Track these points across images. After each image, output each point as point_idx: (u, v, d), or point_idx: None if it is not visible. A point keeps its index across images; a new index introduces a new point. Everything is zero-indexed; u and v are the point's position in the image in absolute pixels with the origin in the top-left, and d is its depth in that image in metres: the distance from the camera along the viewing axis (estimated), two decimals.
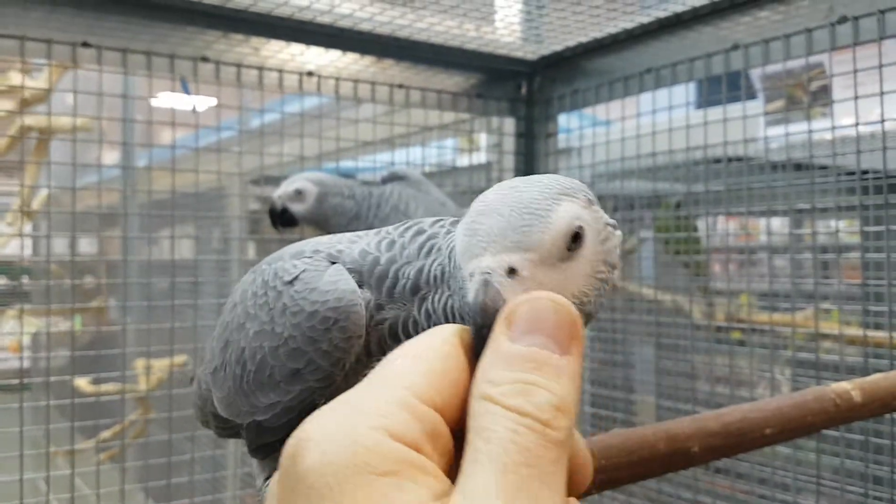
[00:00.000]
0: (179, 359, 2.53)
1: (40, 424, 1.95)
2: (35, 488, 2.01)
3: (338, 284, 0.75)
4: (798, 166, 2.11)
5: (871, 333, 1.91)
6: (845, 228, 2.48)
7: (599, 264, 0.67)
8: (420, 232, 0.77)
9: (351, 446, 0.44)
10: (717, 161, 2.17)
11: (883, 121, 1.71)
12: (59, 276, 2.61)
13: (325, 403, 0.50)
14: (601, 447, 0.99)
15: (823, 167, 2.07)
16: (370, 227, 1.12)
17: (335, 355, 0.73)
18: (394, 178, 2.03)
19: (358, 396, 0.48)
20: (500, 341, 0.51)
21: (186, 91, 2.13)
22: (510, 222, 0.62)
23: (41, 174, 3.72)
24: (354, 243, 0.80)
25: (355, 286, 0.74)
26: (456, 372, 0.51)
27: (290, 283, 0.77)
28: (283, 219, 1.95)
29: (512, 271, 0.61)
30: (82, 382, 2.43)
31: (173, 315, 2.05)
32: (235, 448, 2.89)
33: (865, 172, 1.94)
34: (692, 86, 2.22)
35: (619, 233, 0.72)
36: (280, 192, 1.94)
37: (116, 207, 3.71)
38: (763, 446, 1.20)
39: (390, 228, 0.80)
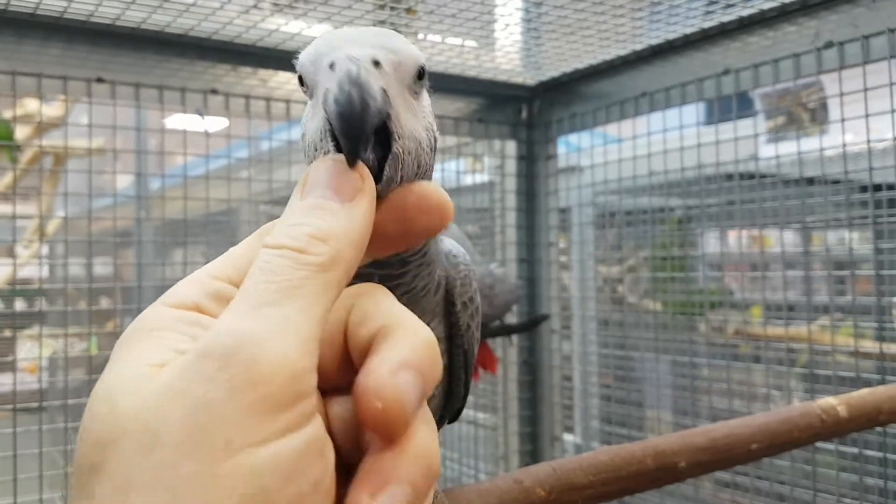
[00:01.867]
0: None
1: (58, 445, 2.01)
2: None
3: None
4: (810, 181, 2.16)
5: (870, 347, 1.95)
6: (837, 241, 2.52)
7: (431, 126, 0.69)
8: None
9: (135, 323, 0.47)
10: (728, 177, 2.22)
11: (869, 141, 1.77)
12: (74, 298, 2.69)
13: None
14: (590, 464, 1.05)
15: (836, 182, 2.12)
16: None
17: None
18: None
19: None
20: (290, 203, 0.51)
21: (201, 115, 2.21)
22: (372, 30, 0.63)
23: (56, 199, 3.81)
24: None
25: None
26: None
27: None
28: None
29: (377, 63, 0.59)
30: None
31: None
32: None
33: (864, 189, 1.99)
34: (695, 104, 2.27)
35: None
36: None
37: (130, 229, 3.79)
38: (750, 461, 1.25)
39: None
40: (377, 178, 0.59)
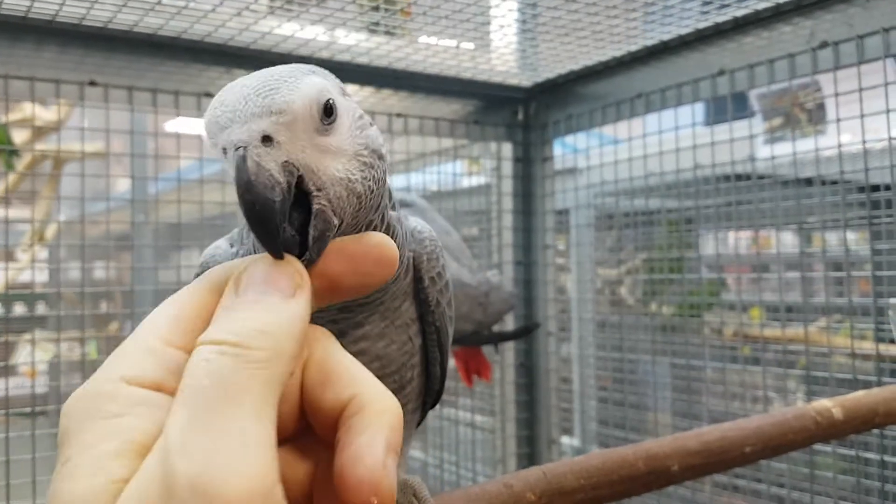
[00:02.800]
0: None
1: (55, 450, 1.99)
2: None
3: (212, 245, 0.87)
4: (807, 181, 2.15)
5: (869, 348, 1.94)
6: (836, 242, 2.51)
7: (361, 147, 0.68)
8: None
9: (92, 397, 0.46)
10: (726, 178, 2.22)
11: (864, 141, 1.76)
12: (73, 302, 2.68)
13: None
14: (581, 468, 1.04)
15: (833, 182, 2.11)
16: None
17: None
18: (401, 205, 2.09)
19: (117, 350, 0.50)
20: (225, 300, 0.51)
21: None
22: (256, 89, 0.61)
23: (55, 203, 3.81)
24: None
25: (223, 245, 0.86)
26: (207, 311, 0.51)
27: None
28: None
29: (266, 139, 0.59)
30: None
31: None
32: None
33: (862, 189, 1.98)
34: (691, 105, 2.27)
35: (375, 127, 0.72)
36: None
37: (128, 233, 3.78)
38: (744, 464, 1.24)
39: None
40: (304, 242, 0.60)
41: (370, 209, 0.72)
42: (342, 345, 0.58)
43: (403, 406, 0.93)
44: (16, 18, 1.76)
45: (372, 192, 0.70)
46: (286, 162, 0.59)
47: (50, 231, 4.19)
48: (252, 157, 0.58)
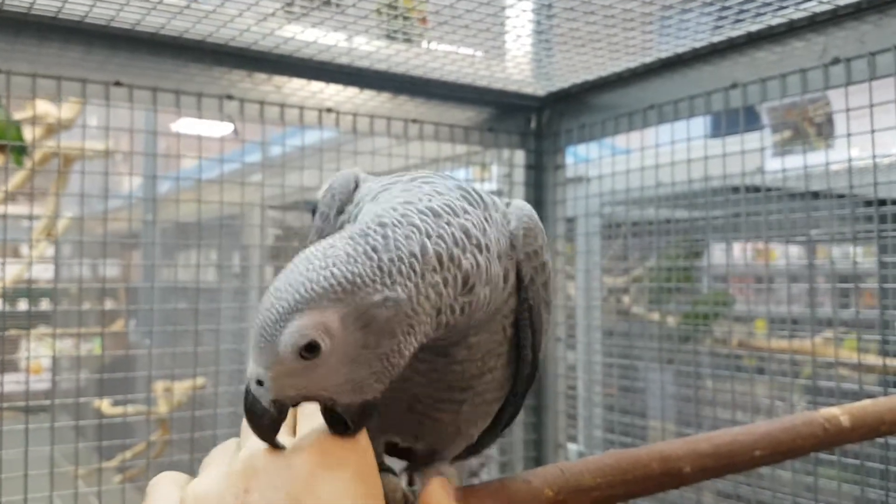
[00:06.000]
0: (199, 381, 2.63)
1: (59, 445, 2.00)
2: None
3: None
4: (815, 195, 2.19)
5: (874, 361, 1.97)
6: (842, 255, 2.55)
7: (358, 351, 0.73)
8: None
9: None
10: (735, 190, 2.25)
11: (874, 156, 1.79)
12: (77, 299, 2.71)
13: None
14: (596, 467, 1.07)
15: (841, 196, 2.15)
16: None
17: (323, 210, 0.95)
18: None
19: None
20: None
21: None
22: (259, 336, 0.74)
23: (63, 200, 3.83)
24: None
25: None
26: None
27: None
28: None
29: (259, 382, 0.75)
30: (103, 404, 2.53)
31: (196, 338, 2.15)
32: None
33: (869, 203, 2.02)
34: (702, 117, 2.30)
35: (402, 297, 0.74)
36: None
37: (138, 230, 3.82)
38: (753, 468, 1.27)
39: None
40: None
41: (432, 327, 0.78)
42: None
43: (480, 395, 0.94)
44: (46, 19, 1.80)
45: (397, 351, 0.76)
46: (273, 400, 0.75)
47: (60, 227, 4.22)
48: (251, 390, 0.76)
